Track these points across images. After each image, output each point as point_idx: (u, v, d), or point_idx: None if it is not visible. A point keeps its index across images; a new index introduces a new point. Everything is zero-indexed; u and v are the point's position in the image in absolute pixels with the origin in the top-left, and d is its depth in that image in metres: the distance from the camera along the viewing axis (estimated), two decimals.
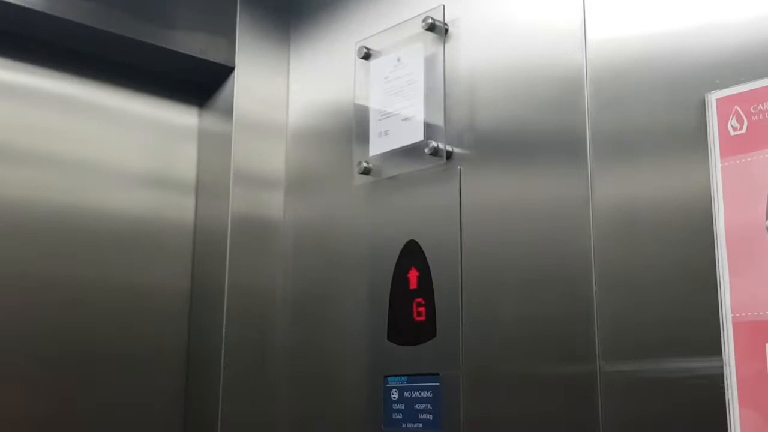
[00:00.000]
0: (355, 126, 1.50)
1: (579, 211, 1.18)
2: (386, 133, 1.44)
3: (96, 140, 1.61)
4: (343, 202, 1.52)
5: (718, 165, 1.03)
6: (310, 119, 1.64)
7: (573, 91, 1.21)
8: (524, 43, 1.29)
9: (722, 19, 1.07)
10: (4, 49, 1.52)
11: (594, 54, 1.20)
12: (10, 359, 1.45)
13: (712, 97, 1.05)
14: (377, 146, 1.46)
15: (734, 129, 1.03)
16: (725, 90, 1.04)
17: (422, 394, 1.33)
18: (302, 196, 1.62)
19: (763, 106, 1.01)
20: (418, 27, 1.40)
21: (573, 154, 1.20)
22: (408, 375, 1.36)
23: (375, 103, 1.47)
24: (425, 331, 1.34)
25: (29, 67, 1.56)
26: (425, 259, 1.36)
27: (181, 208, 1.69)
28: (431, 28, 1.38)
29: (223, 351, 1.54)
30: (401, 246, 1.40)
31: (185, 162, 1.71)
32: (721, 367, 1.01)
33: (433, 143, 1.35)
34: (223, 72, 1.66)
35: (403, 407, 1.36)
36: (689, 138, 1.08)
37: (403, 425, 1.35)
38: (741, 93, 1.03)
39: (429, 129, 1.37)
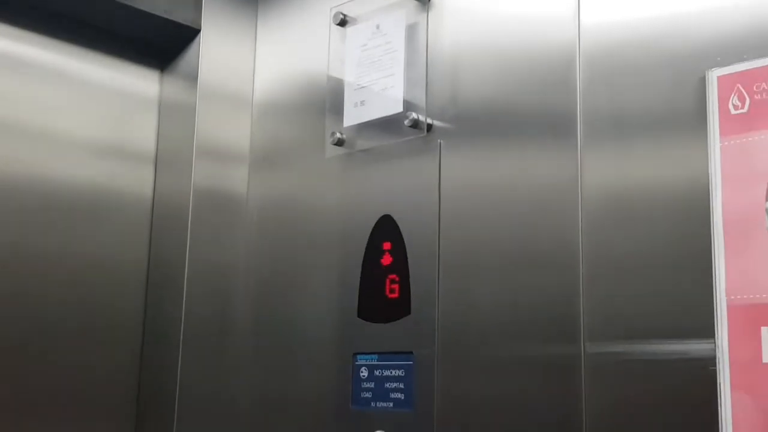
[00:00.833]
0: (328, 96, 1.45)
1: (567, 190, 1.15)
2: (362, 103, 1.39)
3: (47, 104, 1.52)
4: (313, 175, 1.47)
5: (717, 144, 1.01)
6: (279, 88, 1.58)
7: (564, 67, 1.18)
8: (514, 15, 1.25)
9: None
10: None
11: (587, 28, 1.17)
12: None
13: (713, 75, 1.03)
14: (352, 117, 1.41)
15: (735, 108, 1.01)
16: (727, 67, 1.02)
17: (394, 372, 1.29)
18: (269, 169, 1.56)
19: (765, 85, 0.99)
20: None
21: (562, 133, 1.17)
22: (379, 353, 1.32)
23: (351, 72, 1.42)
24: (398, 309, 1.30)
25: None
26: (400, 234, 1.32)
27: (139, 179, 1.62)
28: None
29: (182, 326, 1.48)
30: (375, 221, 1.36)
31: (144, 130, 1.64)
32: (713, 349, 0.99)
33: (414, 115, 1.31)
34: (188, 34, 1.59)
35: (372, 386, 1.31)
36: (687, 117, 1.05)
37: (373, 404, 1.31)
38: (744, 71, 1.01)
39: (409, 100, 1.33)
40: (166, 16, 1.55)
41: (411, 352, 1.27)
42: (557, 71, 1.18)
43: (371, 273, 1.35)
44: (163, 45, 1.62)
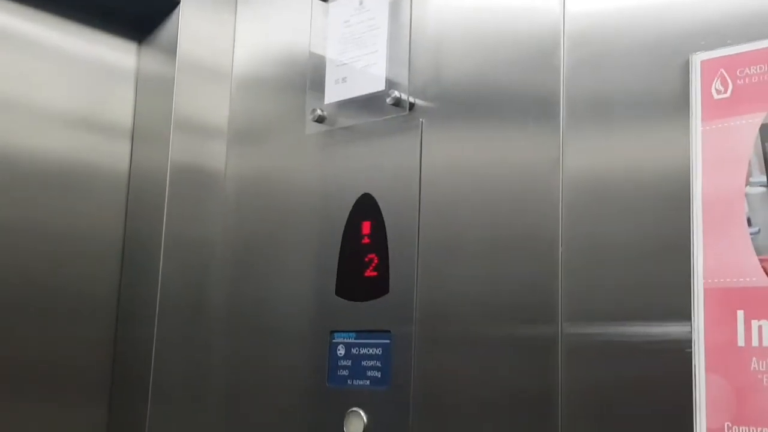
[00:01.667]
0: (309, 72, 1.44)
1: (548, 172, 1.15)
2: (344, 80, 1.39)
3: (21, 75, 1.50)
4: (292, 151, 1.46)
5: (699, 128, 1.02)
6: (259, 63, 1.57)
7: (549, 49, 1.18)
8: None
9: None
10: None
11: (572, 11, 1.17)
12: None
13: (697, 59, 1.03)
14: (333, 94, 1.40)
15: (718, 92, 1.01)
16: (711, 52, 1.02)
17: (371, 351, 1.29)
18: (248, 145, 1.55)
19: (749, 70, 1.00)
20: None
21: (545, 115, 1.17)
22: (356, 331, 1.32)
23: (333, 48, 1.41)
24: (377, 287, 1.30)
25: None
26: (380, 213, 1.32)
27: (116, 153, 1.60)
28: None
29: (157, 301, 1.47)
30: (354, 199, 1.35)
31: (121, 103, 1.62)
32: (689, 332, 1.00)
33: (396, 93, 1.30)
34: (167, 6, 1.57)
35: (349, 364, 1.32)
36: (670, 101, 1.06)
37: (349, 382, 1.31)
38: (727, 56, 1.01)
39: (391, 78, 1.32)
40: None
41: (388, 331, 1.28)
42: (541, 53, 1.18)
43: (350, 251, 1.34)
44: (140, 16, 1.60)
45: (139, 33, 1.63)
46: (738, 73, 1.00)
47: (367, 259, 1.32)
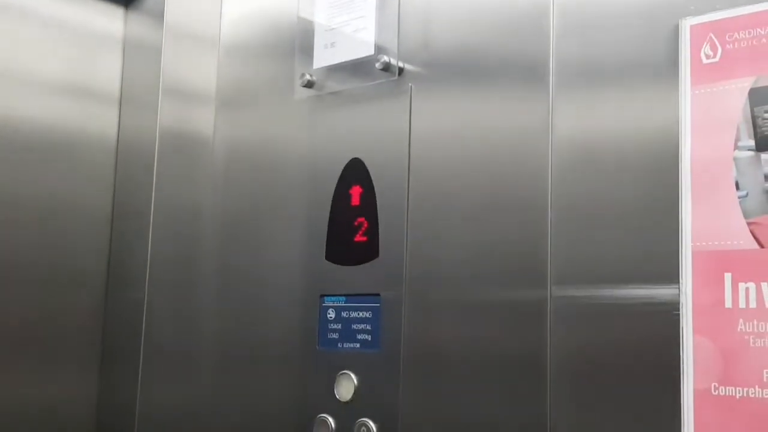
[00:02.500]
0: (298, 37, 1.44)
1: (538, 136, 1.15)
2: (333, 45, 1.38)
3: (5, 41, 1.48)
4: (281, 117, 1.46)
5: (688, 93, 1.02)
6: (247, 28, 1.56)
7: (538, 14, 1.18)
8: None
9: None
10: None
11: None
12: None
13: (686, 24, 1.03)
14: (322, 59, 1.39)
15: (707, 57, 1.02)
16: (700, 17, 1.03)
17: (361, 314, 1.30)
18: (236, 110, 1.55)
19: (738, 35, 1.00)
20: None
21: (534, 80, 1.17)
22: (346, 295, 1.32)
23: (321, 13, 1.40)
24: (367, 251, 1.31)
25: None
26: (369, 178, 1.32)
27: (103, 119, 1.59)
28: None
29: (147, 268, 1.48)
30: (344, 164, 1.35)
31: (108, 69, 1.61)
32: (677, 295, 1.01)
33: (385, 58, 1.30)
34: None
35: (339, 327, 1.32)
36: (659, 66, 1.06)
37: (340, 345, 1.32)
38: (716, 21, 1.02)
39: (380, 43, 1.32)
40: None
41: (378, 294, 1.28)
42: (531, 18, 1.18)
43: (339, 216, 1.35)
44: None
45: None
46: (727, 38, 1.01)
47: (356, 224, 1.32)
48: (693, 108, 1.02)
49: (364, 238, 1.31)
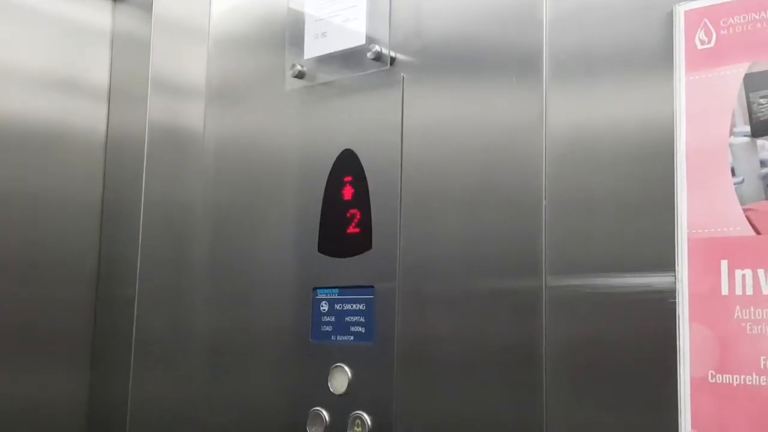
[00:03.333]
0: (288, 27, 1.42)
1: (532, 126, 1.14)
2: (323, 35, 1.37)
3: None
4: (272, 108, 1.45)
5: (683, 80, 1.02)
6: (236, 20, 1.54)
7: (531, 2, 1.16)
8: None
9: None
10: None
11: None
12: None
13: (680, 9, 1.03)
14: (313, 49, 1.38)
15: (702, 43, 1.01)
16: (694, 2, 1.02)
17: (354, 306, 1.29)
18: (226, 103, 1.53)
19: (733, 20, 0.99)
20: None
21: (528, 69, 1.16)
22: (339, 287, 1.31)
23: (311, 3, 1.39)
24: (359, 243, 1.30)
25: None
26: (362, 169, 1.31)
27: (92, 113, 1.58)
28: None
29: (138, 263, 1.47)
30: (336, 155, 1.34)
31: (97, 63, 1.59)
32: (673, 283, 1.01)
33: (376, 47, 1.29)
34: None
35: (333, 319, 1.32)
36: (654, 53, 1.05)
37: (333, 337, 1.31)
38: (711, 6, 1.01)
39: (371, 33, 1.31)
40: None
41: (372, 287, 1.28)
42: (524, 7, 1.17)
43: (332, 208, 1.34)
44: None
45: None
46: (722, 23, 1.00)
47: (349, 215, 1.31)
48: (688, 95, 1.01)
49: (357, 230, 1.30)
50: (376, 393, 1.25)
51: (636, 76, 1.07)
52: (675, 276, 1.00)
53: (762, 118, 0.96)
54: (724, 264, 0.97)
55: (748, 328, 0.95)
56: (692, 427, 0.97)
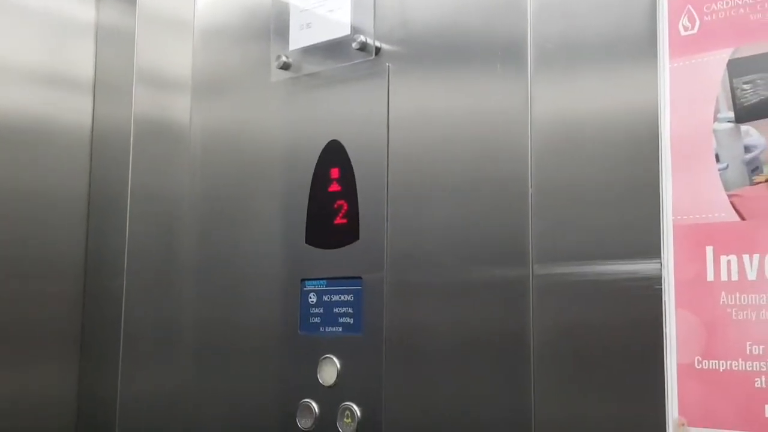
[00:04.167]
0: (273, 18, 1.42)
1: (517, 115, 1.14)
2: (308, 26, 1.37)
3: None
4: (258, 100, 1.44)
5: (667, 66, 1.02)
6: (221, 12, 1.54)
7: None
8: None
9: None
10: None
11: None
12: None
13: None
14: (298, 40, 1.38)
15: (685, 29, 1.01)
16: None
17: (342, 297, 1.29)
18: (212, 95, 1.53)
19: (716, 6, 0.99)
20: None
21: (512, 58, 1.15)
22: (327, 279, 1.31)
23: None
24: (347, 234, 1.29)
25: None
26: (348, 160, 1.31)
27: (78, 107, 1.57)
28: None
29: (125, 256, 1.46)
30: (322, 146, 1.34)
31: (81, 56, 1.58)
32: (659, 269, 1.01)
33: (361, 38, 1.29)
34: None
35: (321, 311, 1.31)
36: (637, 40, 1.05)
37: (321, 329, 1.31)
38: None
39: (356, 23, 1.31)
40: None
41: (360, 278, 1.27)
42: None
43: (319, 199, 1.34)
44: None
45: None
46: (705, 9, 1.00)
47: (336, 206, 1.31)
48: (672, 81, 1.01)
49: (344, 221, 1.30)
50: (365, 384, 1.25)
51: (620, 64, 1.07)
52: (661, 263, 1.00)
53: (746, 104, 0.96)
54: (709, 250, 0.97)
55: (733, 313, 0.95)
56: (679, 413, 0.97)
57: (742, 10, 0.98)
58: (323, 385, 1.29)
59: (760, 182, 0.95)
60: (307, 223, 1.34)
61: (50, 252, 1.51)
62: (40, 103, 1.52)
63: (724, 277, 0.96)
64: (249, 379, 1.40)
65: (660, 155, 1.01)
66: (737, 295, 0.95)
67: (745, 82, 0.97)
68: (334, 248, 1.31)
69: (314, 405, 1.30)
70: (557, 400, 1.08)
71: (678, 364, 0.98)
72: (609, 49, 1.08)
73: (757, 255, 0.94)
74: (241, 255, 1.43)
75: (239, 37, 1.51)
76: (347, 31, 1.31)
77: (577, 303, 1.08)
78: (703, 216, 0.98)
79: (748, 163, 0.96)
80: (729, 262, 0.96)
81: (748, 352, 0.94)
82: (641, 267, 1.03)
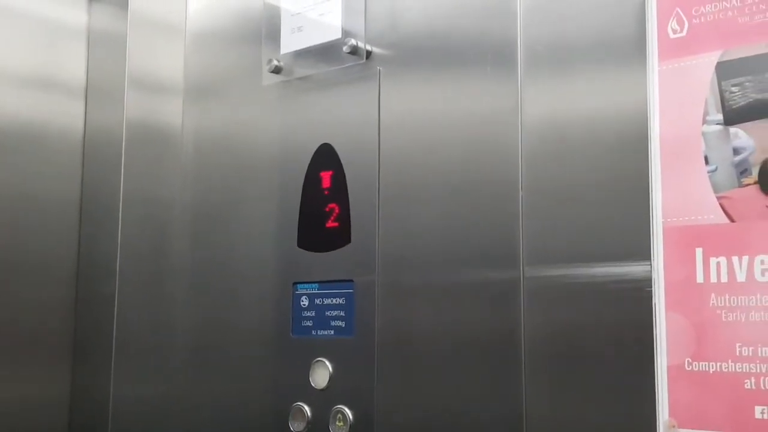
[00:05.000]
0: (265, 22, 1.42)
1: (507, 117, 1.14)
2: (300, 29, 1.37)
3: None
4: (250, 104, 1.45)
5: (656, 68, 1.02)
6: (213, 16, 1.54)
7: None
8: None
9: None
10: None
11: None
12: None
13: None
14: (289, 44, 1.38)
15: (674, 32, 1.01)
16: None
17: (334, 300, 1.29)
18: (204, 99, 1.53)
19: (704, 8, 1.00)
20: None
21: (503, 61, 1.16)
22: (319, 282, 1.31)
23: None
24: (339, 237, 1.30)
25: None
26: (340, 163, 1.31)
27: (70, 111, 1.57)
28: None
29: (118, 260, 1.46)
30: (314, 150, 1.34)
31: (73, 60, 1.58)
32: (649, 271, 1.01)
33: (352, 41, 1.29)
34: None
35: (313, 314, 1.32)
36: (627, 43, 1.06)
37: (314, 332, 1.31)
38: None
39: (347, 26, 1.31)
40: None
41: (351, 281, 1.28)
42: None
43: (311, 202, 1.34)
44: None
45: None
46: (693, 12, 1.00)
47: (328, 209, 1.31)
48: (661, 84, 1.01)
49: (336, 224, 1.30)
50: (358, 387, 1.25)
51: (610, 66, 1.07)
52: (651, 264, 1.01)
53: (734, 106, 0.97)
54: (698, 252, 0.98)
55: (723, 315, 0.95)
56: (669, 414, 0.97)
57: (730, 13, 0.98)
58: (315, 389, 1.29)
59: (749, 184, 0.95)
60: (299, 226, 1.35)
61: (42, 256, 1.51)
62: (31, 108, 1.52)
63: (713, 278, 0.96)
64: (241, 383, 1.40)
65: (649, 157, 1.01)
66: (727, 296, 0.95)
67: (734, 85, 0.97)
68: (326, 251, 1.31)
69: (306, 408, 1.30)
70: (548, 402, 1.08)
71: (668, 366, 0.98)
72: (598, 51, 1.09)
73: (747, 257, 0.95)
74: (233, 259, 1.44)
75: (231, 41, 1.51)
76: (338, 35, 1.31)
77: (567, 305, 1.08)
78: (693, 218, 0.98)
79: (737, 165, 0.96)
80: (718, 263, 0.96)
81: (737, 353, 0.94)
82: (631, 269, 1.03)
